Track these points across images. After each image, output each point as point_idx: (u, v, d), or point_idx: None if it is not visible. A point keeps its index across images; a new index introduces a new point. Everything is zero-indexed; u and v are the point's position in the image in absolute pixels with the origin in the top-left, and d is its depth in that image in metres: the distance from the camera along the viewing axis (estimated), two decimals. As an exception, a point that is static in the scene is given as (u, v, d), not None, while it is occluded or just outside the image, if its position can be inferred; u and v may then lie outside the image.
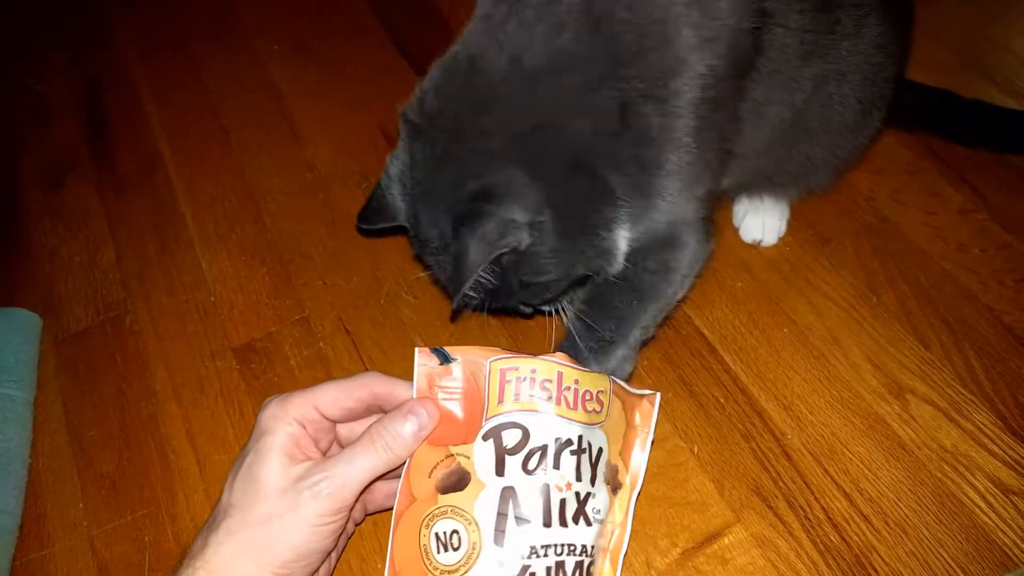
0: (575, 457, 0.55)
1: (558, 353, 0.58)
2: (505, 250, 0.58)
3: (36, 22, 1.23)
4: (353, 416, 0.57)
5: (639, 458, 0.60)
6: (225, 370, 0.80)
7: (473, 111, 0.58)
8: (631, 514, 0.59)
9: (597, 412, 0.57)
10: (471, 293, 0.62)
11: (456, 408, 0.56)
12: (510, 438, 0.55)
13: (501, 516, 0.53)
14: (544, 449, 0.55)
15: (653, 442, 0.60)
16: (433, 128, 0.60)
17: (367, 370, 0.78)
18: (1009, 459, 0.69)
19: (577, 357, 0.62)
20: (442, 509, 0.54)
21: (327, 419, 0.56)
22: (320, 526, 0.51)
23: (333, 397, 0.55)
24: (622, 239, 0.63)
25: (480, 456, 0.55)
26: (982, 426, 0.71)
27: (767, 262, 0.83)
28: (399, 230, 0.69)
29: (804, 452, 0.70)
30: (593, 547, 0.56)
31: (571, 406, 0.56)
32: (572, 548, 0.54)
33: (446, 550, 0.53)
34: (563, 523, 0.54)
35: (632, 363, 0.69)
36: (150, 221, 0.94)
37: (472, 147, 0.58)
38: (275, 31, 1.15)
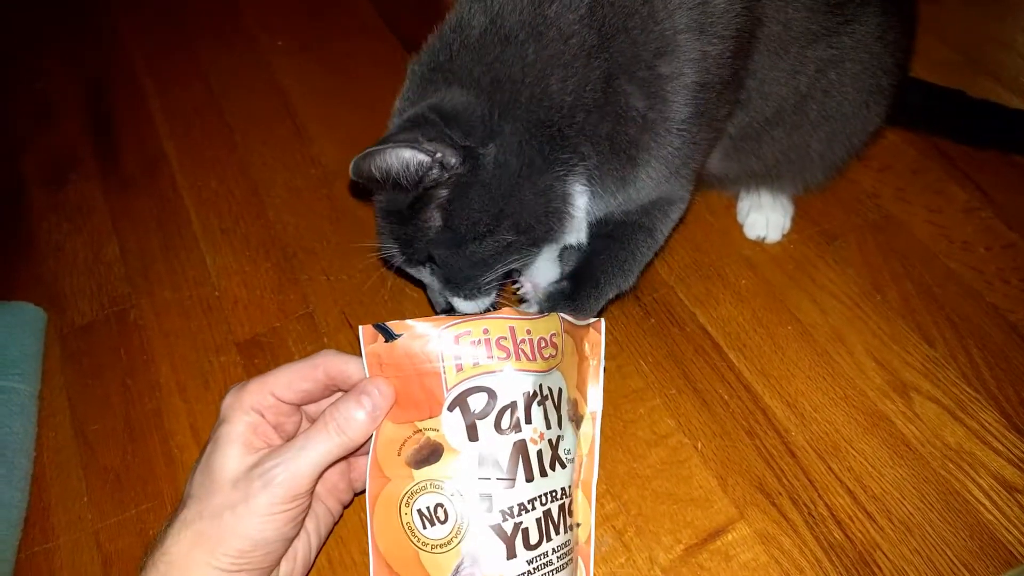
0: (542, 407, 0.55)
1: (504, 308, 0.58)
2: (428, 157, 0.57)
3: (38, 20, 1.23)
4: (312, 397, 0.56)
5: (595, 389, 0.61)
6: (229, 365, 0.80)
7: (457, 55, 0.60)
8: (597, 441, 0.60)
9: (553, 356, 0.56)
10: (395, 241, 0.64)
11: (412, 385, 0.54)
12: (477, 403, 0.53)
13: (483, 480, 0.53)
14: (513, 406, 0.54)
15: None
16: (420, 67, 0.62)
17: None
18: (1014, 457, 0.69)
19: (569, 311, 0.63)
20: (421, 485, 0.53)
21: (285, 403, 0.54)
22: (273, 515, 0.49)
23: (287, 380, 0.54)
24: (579, 208, 0.63)
25: (449, 426, 0.53)
26: (986, 424, 0.71)
27: (771, 259, 0.83)
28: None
29: (808, 449, 0.70)
30: (569, 486, 0.57)
31: (530, 357, 0.54)
32: (554, 494, 0.55)
33: (432, 524, 0.53)
34: (543, 473, 0.54)
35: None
36: (154, 217, 0.94)
37: (447, 78, 0.59)
38: (279, 28, 1.15)
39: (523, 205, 0.60)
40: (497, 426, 0.53)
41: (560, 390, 0.57)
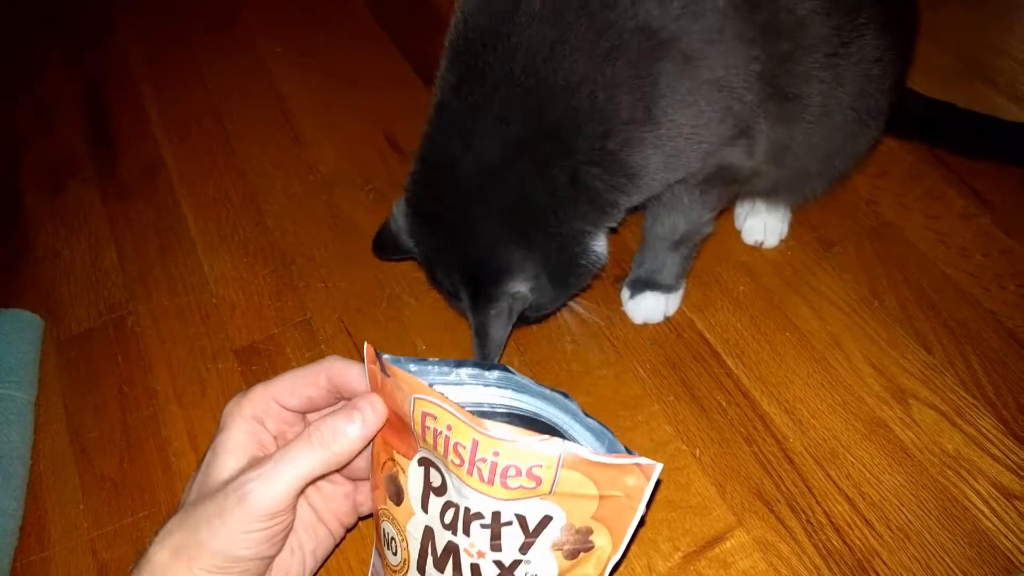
0: (487, 530, 0.49)
1: (488, 423, 0.47)
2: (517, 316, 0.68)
3: (37, 25, 1.23)
4: (316, 405, 0.54)
5: (621, 527, 0.50)
6: (227, 371, 0.80)
7: (463, 203, 0.66)
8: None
9: (528, 488, 0.48)
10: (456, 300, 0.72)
11: (400, 416, 0.51)
12: (435, 477, 0.50)
13: (423, 553, 0.50)
14: (457, 508, 0.49)
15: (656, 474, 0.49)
16: (435, 222, 0.68)
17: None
18: (1012, 463, 0.69)
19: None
20: (386, 512, 0.52)
21: (288, 410, 0.53)
22: (248, 533, 0.47)
23: (291, 386, 0.52)
24: (600, 247, 0.70)
25: (413, 480, 0.51)
26: (984, 430, 0.71)
27: (769, 265, 0.83)
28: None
29: (806, 456, 0.70)
30: None
31: (485, 479, 0.47)
32: None
33: (389, 549, 0.52)
34: None
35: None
36: (152, 223, 0.94)
37: (474, 234, 0.66)
38: (278, 34, 1.15)
39: (574, 286, 0.72)
40: (442, 515, 0.50)
41: (548, 518, 0.49)
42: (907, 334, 0.77)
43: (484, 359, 0.67)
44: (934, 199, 0.88)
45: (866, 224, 0.86)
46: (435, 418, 0.48)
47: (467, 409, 0.47)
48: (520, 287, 0.67)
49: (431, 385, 0.48)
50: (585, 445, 0.52)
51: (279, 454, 0.48)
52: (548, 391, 0.55)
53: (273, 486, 0.47)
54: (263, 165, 0.98)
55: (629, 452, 0.50)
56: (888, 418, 0.72)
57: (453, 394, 0.53)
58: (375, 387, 0.52)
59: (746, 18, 0.61)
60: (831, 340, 0.77)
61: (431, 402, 0.48)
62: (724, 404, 0.74)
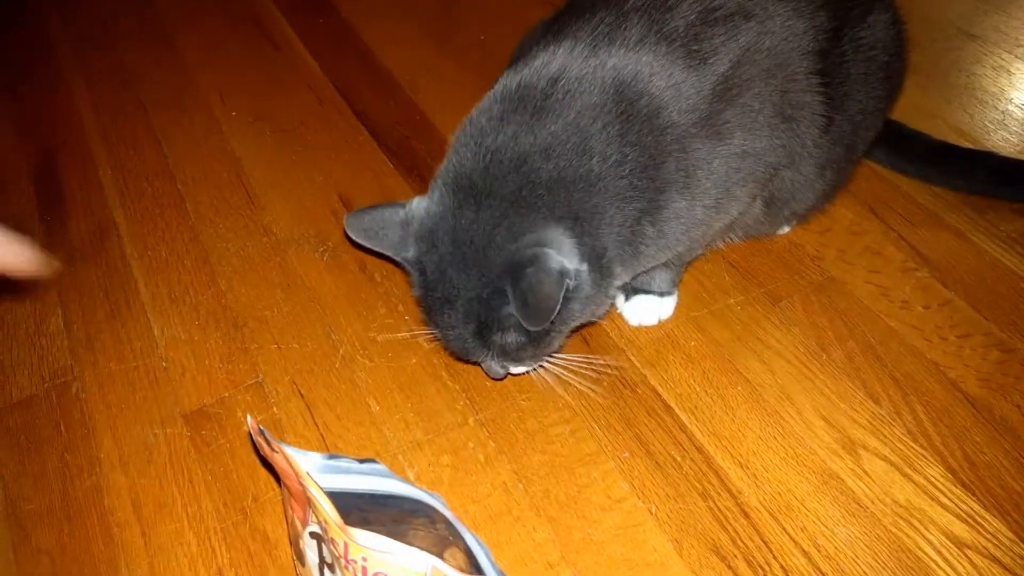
0: None
1: (356, 531, 0.48)
2: (564, 289, 0.64)
3: (-9, 89, 1.23)
4: None
5: None
6: (175, 437, 0.78)
7: (515, 185, 0.66)
8: None
9: None
10: (471, 341, 0.69)
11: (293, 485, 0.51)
12: (327, 553, 0.50)
13: None
14: None
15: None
16: (488, 197, 0.66)
17: (323, 437, 0.77)
18: (962, 512, 0.70)
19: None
20: (295, 561, 0.52)
21: None
22: None
23: None
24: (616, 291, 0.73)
25: (309, 549, 0.51)
26: (934, 480, 0.72)
27: (719, 321, 0.85)
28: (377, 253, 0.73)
29: (761, 510, 0.70)
30: None
31: None
32: None
33: None
34: None
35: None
36: (101, 286, 0.92)
37: (520, 211, 0.65)
38: (233, 98, 1.16)
39: (600, 305, 0.71)
40: None
41: None
42: (855, 385, 0.79)
43: (538, 323, 0.64)
44: (875, 254, 0.90)
45: (812, 279, 0.89)
46: (314, 509, 0.49)
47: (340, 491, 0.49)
48: (567, 261, 0.65)
49: (308, 473, 0.50)
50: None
51: None
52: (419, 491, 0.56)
53: None
54: (216, 227, 0.98)
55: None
56: (840, 469, 0.73)
57: (330, 481, 0.53)
58: (267, 454, 0.53)
59: None
60: (781, 393, 0.78)
61: (310, 494, 0.49)
62: (679, 459, 0.74)
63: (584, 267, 0.67)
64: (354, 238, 0.72)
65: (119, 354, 0.85)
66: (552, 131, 0.66)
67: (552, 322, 0.65)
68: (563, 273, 0.63)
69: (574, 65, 0.68)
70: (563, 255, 0.64)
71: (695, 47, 0.68)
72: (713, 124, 0.68)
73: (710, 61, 0.68)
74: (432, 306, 0.69)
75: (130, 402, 0.81)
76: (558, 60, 0.69)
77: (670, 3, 0.70)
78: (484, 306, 0.66)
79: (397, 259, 0.72)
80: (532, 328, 0.65)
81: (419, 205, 0.70)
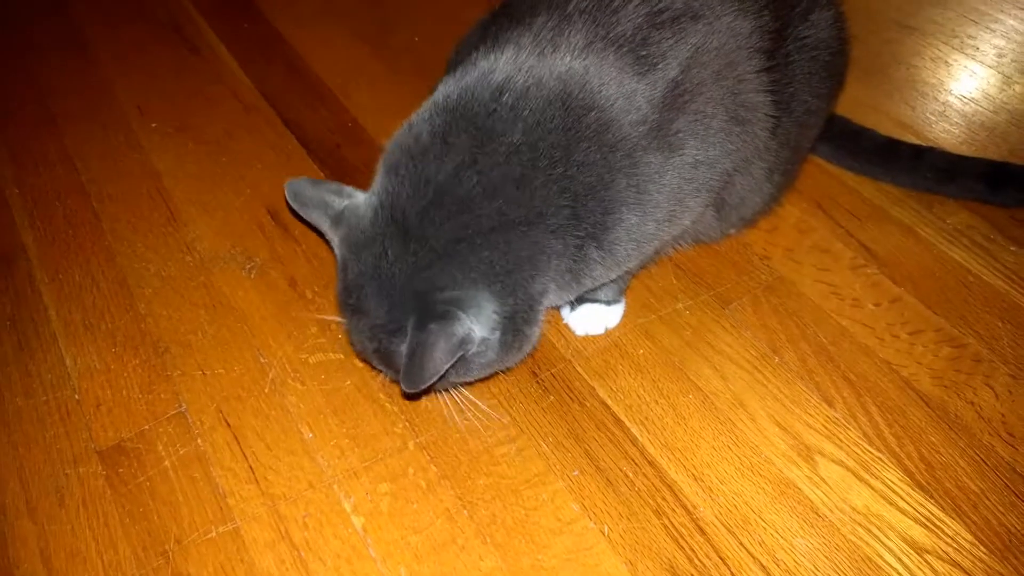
0: None
1: None
2: (461, 355, 0.63)
3: None
4: None
5: None
6: (89, 476, 0.72)
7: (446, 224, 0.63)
8: None
9: None
10: (382, 367, 0.69)
11: None
12: None
13: None
14: None
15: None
16: (421, 241, 0.63)
17: (252, 469, 0.71)
18: (920, 516, 0.67)
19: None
20: None
21: None
22: None
23: None
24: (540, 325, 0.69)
25: None
26: (891, 483, 0.70)
27: (668, 327, 0.82)
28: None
29: (718, 524, 0.67)
30: None
31: None
32: None
33: None
34: None
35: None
36: (7, 316, 0.85)
37: (450, 264, 0.63)
38: (153, 109, 1.10)
39: (507, 364, 0.70)
40: None
41: None
42: (808, 389, 0.76)
43: (411, 387, 0.62)
44: (823, 252, 0.89)
45: (761, 280, 0.86)
46: None
47: None
48: (477, 329, 0.63)
49: None
50: None
51: None
52: None
53: None
54: (135, 246, 0.92)
55: None
56: (796, 478, 0.70)
57: None
58: None
59: None
60: (734, 400, 0.76)
61: None
62: (631, 475, 0.70)
63: (495, 335, 0.65)
64: (290, 202, 0.71)
65: (27, 388, 0.79)
66: (496, 162, 0.62)
67: (433, 383, 0.64)
68: (464, 341, 0.62)
69: (519, 75, 0.64)
70: (476, 322, 0.63)
71: (643, 52, 0.65)
72: (665, 135, 0.65)
73: (660, 66, 0.65)
74: (345, 306, 0.68)
75: (39, 441, 0.74)
76: (501, 68, 0.65)
77: (615, 5, 0.66)
78: (387, 337, 0.65)
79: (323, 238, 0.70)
80: (405, 388, 0.63)
81: (354, 208, 0.67)
